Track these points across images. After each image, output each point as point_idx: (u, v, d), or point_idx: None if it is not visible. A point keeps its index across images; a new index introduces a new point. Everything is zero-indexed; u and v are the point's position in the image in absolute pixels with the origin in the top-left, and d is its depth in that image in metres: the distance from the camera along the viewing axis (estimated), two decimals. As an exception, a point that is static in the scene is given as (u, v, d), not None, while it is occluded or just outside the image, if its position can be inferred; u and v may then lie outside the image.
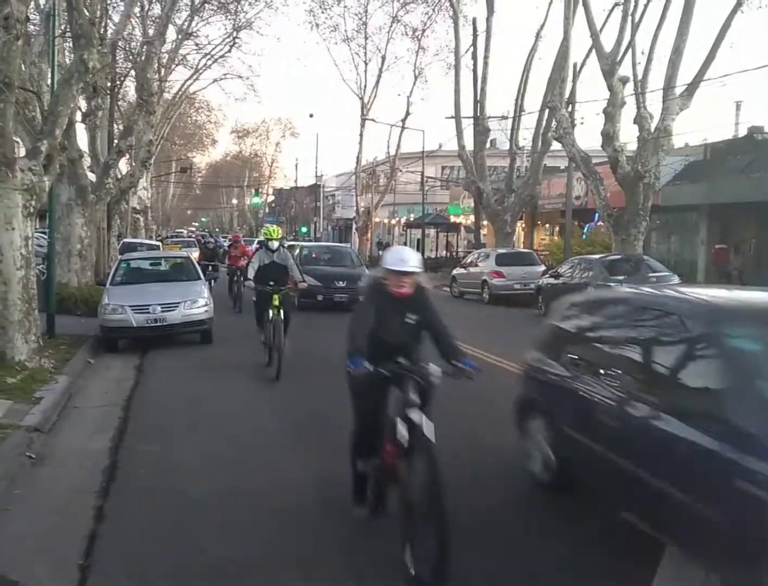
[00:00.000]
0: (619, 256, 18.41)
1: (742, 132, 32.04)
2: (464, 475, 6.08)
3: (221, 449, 7.36)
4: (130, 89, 33.39)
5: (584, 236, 28.79)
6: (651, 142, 18.93)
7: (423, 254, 38.09)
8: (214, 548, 5.02)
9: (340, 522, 5.47)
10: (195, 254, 35.12)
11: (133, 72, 26.58)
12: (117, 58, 25.33)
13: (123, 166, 30.43)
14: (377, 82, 43.07)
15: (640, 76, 19.40)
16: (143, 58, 20.76)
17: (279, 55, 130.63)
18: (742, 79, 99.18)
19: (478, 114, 29.75)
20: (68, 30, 14.78)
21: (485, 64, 29.46)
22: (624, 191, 19.65)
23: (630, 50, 19.55)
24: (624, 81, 19.58)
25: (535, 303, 20.11)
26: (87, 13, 16.70)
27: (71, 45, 16.06)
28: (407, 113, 41.72)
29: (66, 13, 14.42)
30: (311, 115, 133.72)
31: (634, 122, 19.44)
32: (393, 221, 59.15)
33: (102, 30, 19.97)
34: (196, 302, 13.49)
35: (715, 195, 23.59)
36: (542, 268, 22.96)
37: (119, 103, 31.87)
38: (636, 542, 4.59)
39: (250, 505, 5.81)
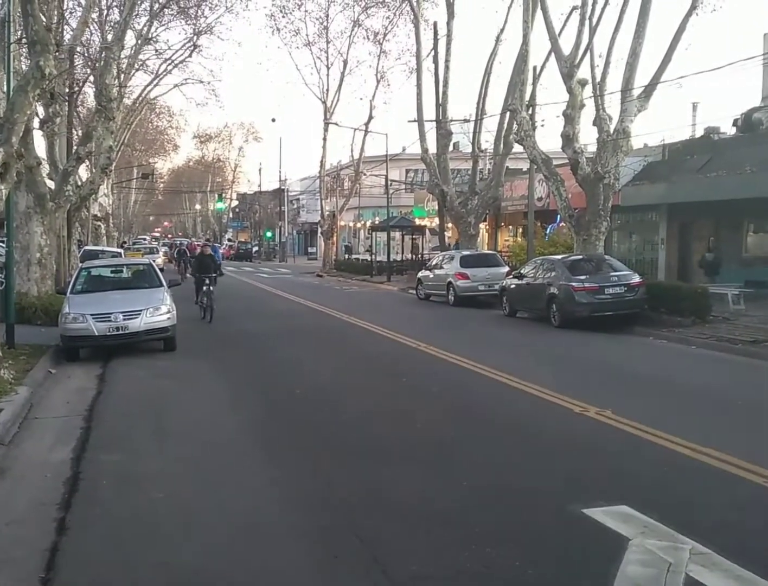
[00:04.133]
0: (580, 257, 18.61)
1: (699, 133, 32.65)
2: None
3: (185, 457, 7.32)
4: (89, 95, 33.05)
5: (547, 237, 29.06)
6: (610, 143, 19.18)
7: (389, 257, 38.22)
8: (179, 560, 4.98)
9: (303, 531, 5.48)
10: (158, 261, 34.94)
11: (91, 78, 26.30)
12: (75, 63, 24.98)
13: (83, 173, 30.01)
14: (339, 86, 43.12)
15: (598, 79, 19.64)
16: (102, 63, 20.53)
17: (240, 60, 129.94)
18: (698, 80, 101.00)
19: (441, 117, 29.90)
20: (24, 36, 14.56)
21: (446, 67, 29.63)
22: (585, 192, 19.86)
23: (588, 53, 19.76)
24: (583, 83, 19.81)
25: (500, 304, 20.28)
26: (43, 19, 16.48)
27: (27, 51, 15.82)
28: (370, 117, 41.85)
29: (21, 19, 14.21)
30: (273, 120, 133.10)
31: (594, 124, 19.68)
32: (358, 225, 59.19)
33: (59, 36, 19.71)
34: (159, 310, 13.37)
35: (673, 195, 24.00)
36: (506, 269, 23.14)
37: (78, 109, 31.39)
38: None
39: (215, 514, 5.79)
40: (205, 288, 18.53)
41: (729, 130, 28.02)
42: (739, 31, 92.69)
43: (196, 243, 56.86)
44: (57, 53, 17.87)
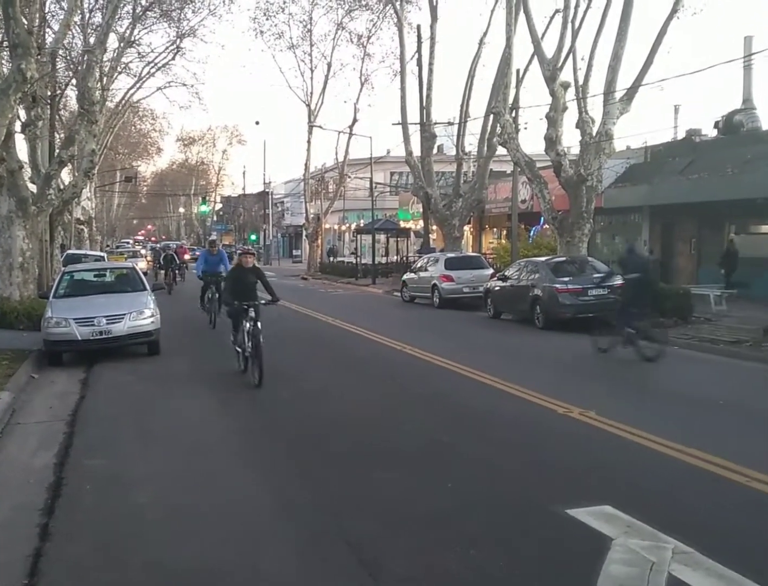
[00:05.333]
0: (564, 258, 18.72)
1: (681, 135, 32.95)
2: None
3: (170, 461, 7.30)
4: (71, 98, 32.84)
5: (531, 239, 29.21)
6: (593, 145, 19.30)
7: (374, 260, 38.26)
8: (163, 564, 4.97)
9: (290, 535, 5.48)
10: (141, 265, 34.64)
11: (74, 81, 26.13)
12: (57, 66, 24.85)
13: (65, 176, 29.84)
14: (323, 89, 43.15)
15: (581, 82, 19.77)
16: (84, 66, 20.40)
17: (224, 63, 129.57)
18: (680, 83, 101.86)
19: (425, 120, 29.99)
20: (5, 39, 14.48)
21: (430, 70, 29.74)
22: (568, 194, 19.98)
23: (571, 56, 19.89)
24: (565, 86, 19.93)
25: (484, 306, 20.34)
26: (24, 22, 16.41)
27: (9, 54, 15.73)
28: (354, 120, 41.86)
29: (3, 22, 14.13)
30: (257, 123, 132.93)
31: (576, 127, 19.80)
32: (343, 227, 59.21)
33: (41, 39, 19.62)
34: (143, 313, 13.31)
35: (655, 196, 24.20)
36: (490, 271, 23.22)
37: (60, 112, 31.20)
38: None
39: (200, 518, 5.78)
40: (248, 325, 10.98)
41: (710, 132, 28.33)
42: (720, 34, 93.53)
43: (185, 246, 56.01)
44: (39, 56, 17.81)
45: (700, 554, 4.77)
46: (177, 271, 31.91)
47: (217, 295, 17.27)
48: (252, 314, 10.90)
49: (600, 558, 4.72)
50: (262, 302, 11.27)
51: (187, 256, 44.91)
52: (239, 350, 11.47)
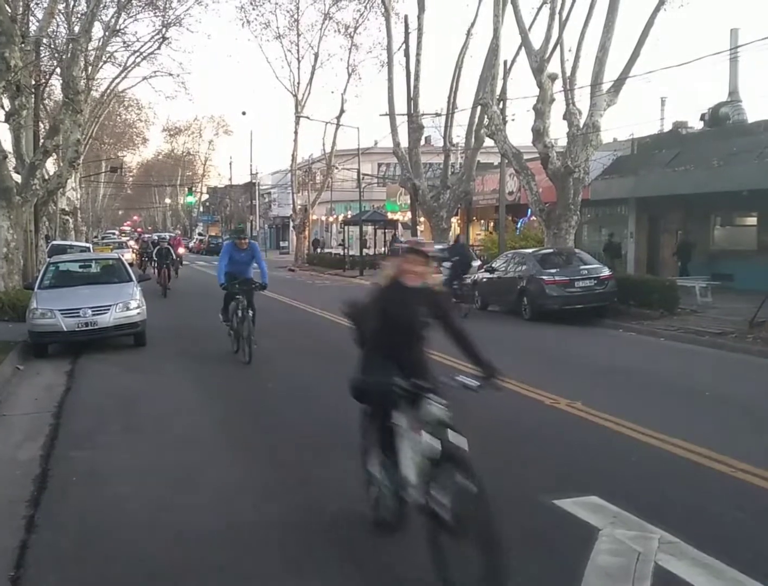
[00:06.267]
0: (551, 250, 18.77)
1: (668, 127, 33.06)
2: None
3: (157, 453, 7.27)
4: (55, 88, 32.51)
5: (518, 231, 29.25)
6: (580, 137, 19.32)
7: (361, 252, 38.22)
8: (150, 557, 4.95)
9: (276, 527, 5.47)
10: (127, 256, 34.33)
11: (58, 70, 25.90)
12: (41, 55, 24.63)
13: (50, 166, 29.63)
14: (311, 79, 42.91)
15: (568, 73, 19.77)
16: (69, 55, 20.21)
17: (210, 53, 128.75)
18: (667, 75, 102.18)
19: (412, 111, 29.91)
20: (-12, 27, 14.32)
21: (417, 61, 29.65)
22: (555, 186, 20.00)
23: (558, 48, 19.89)
24: (553, 78, 19.93)
25: (472, 297, 20.35)
26: (8, 10, 16.24)
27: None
28: (342, 110, 41.69)
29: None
30: (244, 113, 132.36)
31: (564, 118, 19.81)
32: (331, 219, 59.06)
33: (24, 27, 19.42)
34: (129, 305, 13.24)
35: (642, 188, 24.28)
36: (478, 263, 23.24)
37: (45, 101, 30.98)
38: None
39: (187, 510, 5.76)
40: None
41: (697, 124, 28.43)
42: (706, 26, 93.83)
43: (180, 238, 53.94)
44: (22, 45, 17.65)
45: (685, 543, 4.81)
46: (173, 268, 26.76)
47: (250, 312, 11.80)
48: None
49: (587, 548, 4.74)
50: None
51: (181, 250, 40.51)
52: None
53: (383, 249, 41.31)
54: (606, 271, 17.23)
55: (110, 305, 12.98)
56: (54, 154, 22.48)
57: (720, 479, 6.11)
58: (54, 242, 27.84)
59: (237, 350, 12.08)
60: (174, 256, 27.28)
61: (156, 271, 26.33)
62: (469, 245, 25.23)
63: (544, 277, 16.79)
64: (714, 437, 7.21)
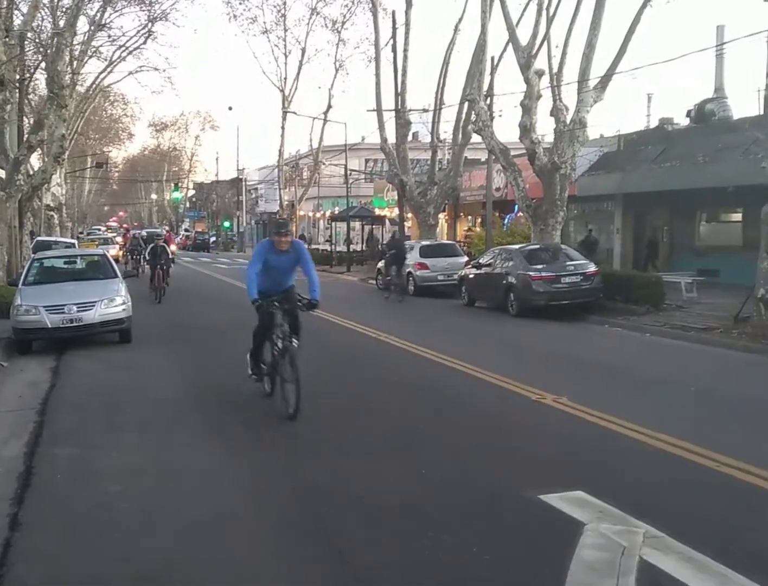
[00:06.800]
0: (537, 246, 18.80)
1: (654, 123, 33.19)
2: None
3: (143, 450, 7.23)
4: (40, 82, 32.25)
5: (505, 227, 29.28)
6: (567, 133, 19.35)
7: (349, 248, 38.17)
8: (136, 554, 4.92)
9: (264, 523, 5.46)
10: (113, 251, 34.03)
11: (43, 64, 25.68)
12: (26, 49, 24.37)
13: (35, 161, 29.38)
14: (298, 74, 42.87)
15: (555, 69, 19.78)
16: (53, 49, 20.06)
17: (197, 47, 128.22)
18: (653, 72, 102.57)
19: (400, 107, 29.88)
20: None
21: (405, 57, 29.61)
22: (542, 182, 20.04)
23: (545, 44, 19.88)
24: (540, 74, 19.95)
25: (459, 293, 20.39)
26: (-9, 3, 16.07)
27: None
28: (329, 106, 41.62)
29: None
30: (230, 108, 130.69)
31: (551, 114, 19.83)
32: (318, 214, 58.95)
33: (8, 21, 19.23)
34: (114, 301, 13.17)
35: (628, 185, 24.35)
36: (465, 258, 23.27)
37: (29, 96, 30.64)
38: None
39: (174, 507, 5.73)
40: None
41: (682, 121, 28.54)
42: (693, 24, 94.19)
43: (172, 234, 51.39)
44: (6, 39, 17.51)
45: (670, 538, 4.82)
46: (163, 268, 21.80)
47: (295, 342, 8.11)
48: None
49: (572, 543, 4.75)
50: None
51: (174, 248, 36.80)
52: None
53: (376, 244, 41.17)
54: (592, 267, 17.28)
55: (95, 302, 12.91)
56: (39, 149, 22.33)
57: (705, 473, 6.14)
58: (39, 238, 27.64)
59: (272, 392, 8.65)
60: (170, 256, 23.01)
61: (143, 268, 25.10)
62: (405, 240, 27.31)
63: (530, 273, 16.82)
64: (699, 431, 7.25)
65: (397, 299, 21.33)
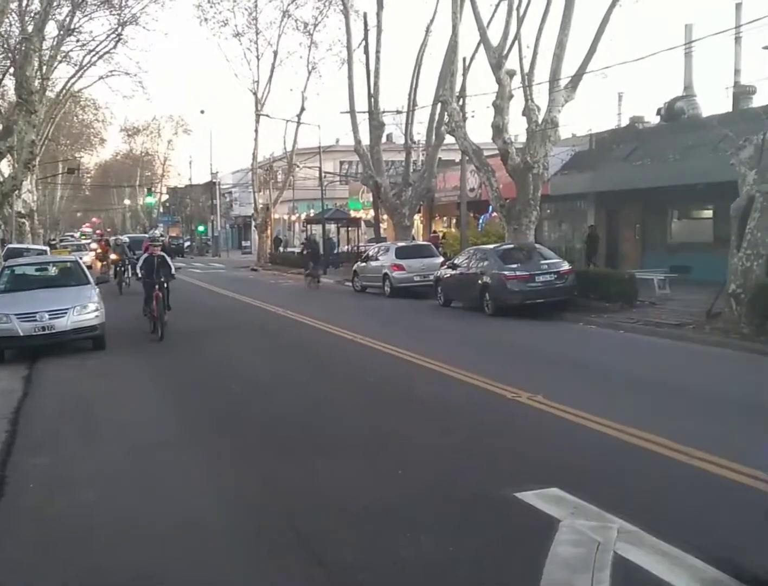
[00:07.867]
0: (512, 246, 18.89)
1: (625, 122, 33.50)
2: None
3: (117, 459, 7.16)
4: (9, 88, 31.86)
5: (480, 227, 29.40)
6: (539, 133, 19.46)
7: (325, 250, 37.98)
8: (108, 566, 4.86)
9: (239, 528, 5.43)
10: (86, 258, 33.57)
11: (11, 70, 25.39)
12: (-7, 55, 24.11)
13: (4, 168, 29.03)
14: (270, 77, 42.67)
15: (526, 70, 19.88)
16: (22, 55, 19.83)
17: (168, 52, 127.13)
18: (623, 71, 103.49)
19: (373, 108, 29.89)
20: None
21: (377, 58, 29.63)
22: (515, 182, 20.12)
23: (516, 44, 19.98)
24: (511, 74, 20.04)
25: (435, 294, 20.43)
26: (-44, 8, 15.85)
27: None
28: (302, 108, 41.50)
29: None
30: (203, 112, 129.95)
31: (523, 114, 19.93)
32: (293, 217, 58.79)
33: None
34: (86, 308, 13.05)
35: (600, 183, 24.57)
36: (441, 259, 23.32)
37: (-2, 102, 30.32)
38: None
39: (148, 516, 5.68)
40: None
41: (653, 119, 28.85)
42: (661, 22, 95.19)
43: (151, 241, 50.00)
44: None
45: (644, 532, 4.87)
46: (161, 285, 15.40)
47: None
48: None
49: (548, 539, 4.78)
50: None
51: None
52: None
53: (347, 247, 41.12)
54: (566, 266, 17.39)
55: (68, 308, 12.78)
56: (8, 155, 22.06)
57: (677, 467, 6.21)
58: (9, 246, 27.27)
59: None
60: (171, 270, 15.80)
61: (129, 283, 23.70)
62: (318, 243, 33.00)
63: (505, 272, 16.89)
64: (671, 426, 7.31)
65: (315, 287, 27.51)
